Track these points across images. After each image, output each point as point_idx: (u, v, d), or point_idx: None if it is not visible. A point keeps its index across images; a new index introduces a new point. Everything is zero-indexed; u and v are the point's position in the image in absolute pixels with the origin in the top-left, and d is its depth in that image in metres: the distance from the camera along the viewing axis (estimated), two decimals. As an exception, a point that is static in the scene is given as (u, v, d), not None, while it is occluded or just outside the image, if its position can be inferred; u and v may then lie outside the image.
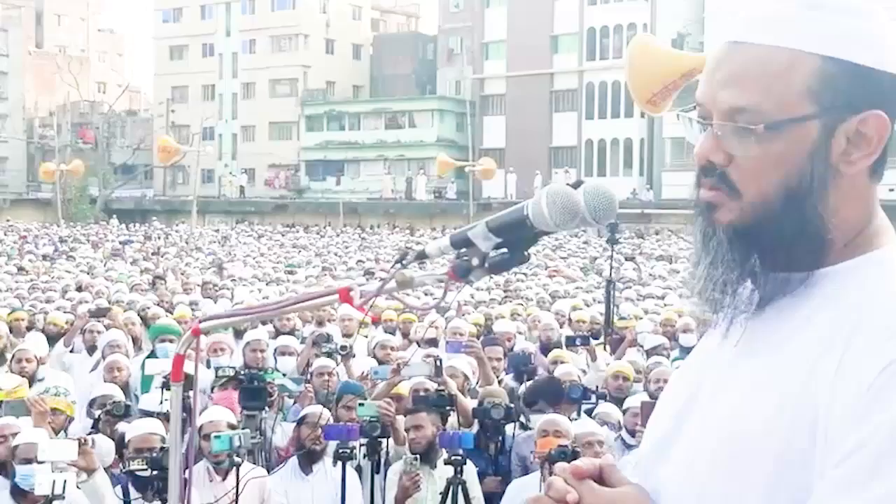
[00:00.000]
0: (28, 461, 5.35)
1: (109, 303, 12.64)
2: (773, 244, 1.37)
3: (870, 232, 1.38)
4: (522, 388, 7.86)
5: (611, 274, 12.34)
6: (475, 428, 6.72)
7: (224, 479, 5.67)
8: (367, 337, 9.97)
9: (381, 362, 8.54)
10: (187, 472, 2.63)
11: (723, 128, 1.37)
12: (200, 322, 1.96)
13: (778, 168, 1.35)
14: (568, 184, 1.55)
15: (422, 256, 1.66)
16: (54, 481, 5.03)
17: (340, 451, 5.96)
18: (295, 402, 7.56)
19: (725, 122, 1.37)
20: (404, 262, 1.66)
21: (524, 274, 20.09)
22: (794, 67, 1.34)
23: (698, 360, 1.52)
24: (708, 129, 1.39)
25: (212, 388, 7.25)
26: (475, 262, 1.57)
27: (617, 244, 12.26)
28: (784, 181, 1.35)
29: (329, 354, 8.11)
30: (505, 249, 1.57)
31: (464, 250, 1.58)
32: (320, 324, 11.40)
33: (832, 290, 1.34)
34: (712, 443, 1.35)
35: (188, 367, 2.25)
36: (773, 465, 1.26)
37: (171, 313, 11.87)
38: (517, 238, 1.56)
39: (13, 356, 8.24)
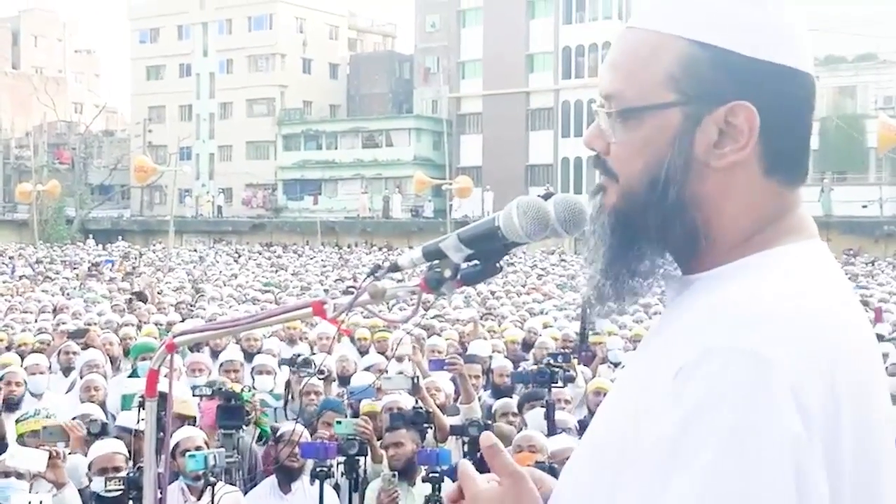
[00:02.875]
0: (7, 475, 5.35)
1: (86, 324, 12.57)
2: (643, 235, 1.35)
3: (769, 234, 1.31)
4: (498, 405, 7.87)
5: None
6: (451, 443, 6.74)
7: (199, 498, 5.64)
8: (329, 354, 9.91)
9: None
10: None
11: (599, 114, 1.37)
12: (174, 337, 1.95)
13: (640, 156, 1.32)
14: (539, 195, 1.57)
15: (394, 269, 1.65)
16: (29, 502, 5.01)
17: (318, 469, 5.95)
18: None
19: (601, 108, 1.36)
20: (377, 274, 1.66)
21: (505, 292, 20.15)
22: (658, 52, 1.31)
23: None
24: (596, 119, 1.39)
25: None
26: (447, 273, 1.57)
27: None
28: (646, 170, 1.32)
29: (308, 374, 8.08)
30: (477, 261, 1.57)
31: (436, 262, 1.58)
32: (292, 342, 11.40)
33: (699, 295, 1.29)
34: (581, 448, 1.40)
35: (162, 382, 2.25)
36: (612, 470, 1.24)
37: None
38: (489, 249, 1.56)
39: (2, 378, 8.13)
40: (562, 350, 10.20)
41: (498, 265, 1.59)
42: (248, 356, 9.71)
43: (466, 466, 1.44)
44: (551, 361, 7.60)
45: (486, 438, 1.40)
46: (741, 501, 1.09)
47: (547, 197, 1.56)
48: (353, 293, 1.69)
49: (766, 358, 1.13)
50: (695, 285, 1.33)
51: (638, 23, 1.36)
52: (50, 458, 5.42)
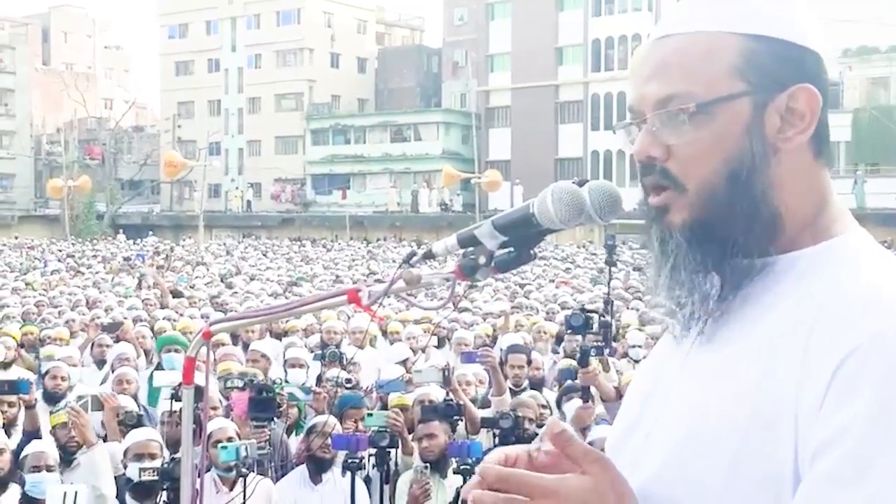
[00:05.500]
0: (37, 469, 5.42)
1: (115, 319, 12.62)
2: (730, 231, 1.35)
3: (827, 218, 1.38)
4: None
5: (608, 292, 12.13)
6: (483, 435, 6.74)
7: (231, 489, 5.68)
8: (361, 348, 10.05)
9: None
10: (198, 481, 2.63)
11: (656, 119, 1.37)
12: (211, 325, 1.96)
13: (716, 151, 1.35)
14: (573, 182, 1.56)
15: (429, 256, 1.66)
16: (65, 493, 5.06)
17: (349, 461, 5.97)
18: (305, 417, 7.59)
19: (658, 112, 1.37)
20: (411, 261, 1.66)
21: (537, 286, 20.09)
22: (717, 49, 1.35)
23: (664, 349, 1.51)
24: (643, 128, 1.40)
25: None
26: (482, 260, 1.57)
27: (615, 265, 12.08)
28: (725, 163, 1.34)
29: (336, 384, 8.06)
30: (511, 248, 1.57)
31: (470, 249, 1.58)
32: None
33: (793, 279, 1.33)
34: (674, 432, 1.34)
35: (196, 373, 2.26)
36: (732, 454, 1.25)
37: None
38: (523, 236, 1.55)
39: (47, 372, 8.21)
40: (595, 343, 10.15)
41: (532, 252, 1.59)
42: (325, 345, 10.10)
43: (496, 468, 1.29)
44: (585, 306, 7.57)
45: (555, 425, 1.30)
46: None
47: (581, 183, 1.56)
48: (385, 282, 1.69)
49: None
50: (775, 268, 1.36)
51: (675, 29, 1.39)
52: (71, 417, 5.61)
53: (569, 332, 7.39)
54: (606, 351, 10.31)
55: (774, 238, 1.36)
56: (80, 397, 6.87)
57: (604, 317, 11.09)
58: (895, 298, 1.22)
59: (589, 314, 7.13)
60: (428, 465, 6.07)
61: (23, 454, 5.78)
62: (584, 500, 1.24)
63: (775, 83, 1.34)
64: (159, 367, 8.61)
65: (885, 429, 1.14)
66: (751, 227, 1.35)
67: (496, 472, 1.27)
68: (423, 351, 10.13)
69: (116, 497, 5.69)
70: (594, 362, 7.29)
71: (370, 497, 6.34)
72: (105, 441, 6.38)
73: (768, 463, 1.23)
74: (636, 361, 10.16)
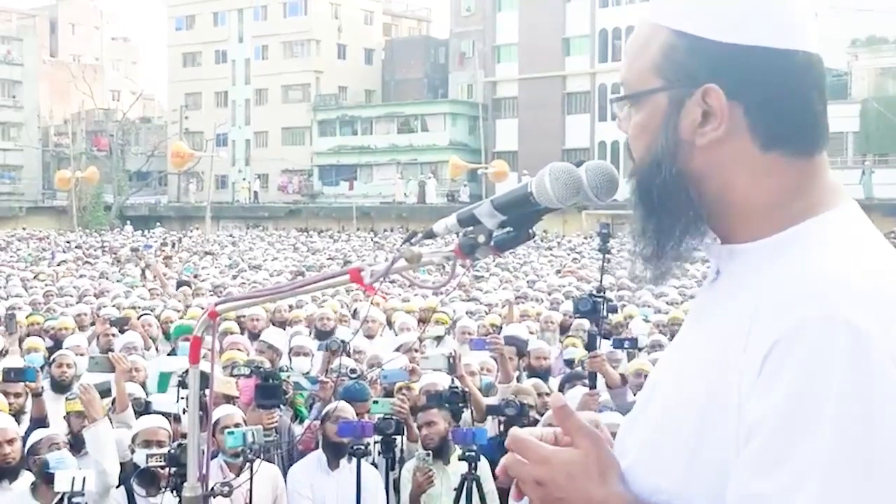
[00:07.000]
0: (56, 447, 5.52)
1: (122, 308, 12.66)
2: (651, 212, 1.41)
3: (800, 205, 1.35)
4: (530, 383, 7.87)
5: (601, 282, 12.09)
6: (488, 422, 6.76)
7: (237, 475, 5.72)
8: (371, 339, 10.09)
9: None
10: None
11: (615, 103, 1.47)
12: (216, 305, 1.99)
13: (642, 138, 1.42)
14: (572, 162, 1.59)
15: (430, 235, 1.70)
16: (73, 478, 5.12)
17: (355, 447, 6.00)
18: (314, 403, 7.61)
19: (614, 96, 1.47)
20: (413, 240, 1.69)
21: (536, 275, 20.11)
22: (649, 41, 1.40)
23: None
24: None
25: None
26: (481, 239, 1.61)
27: (609, 253, 12.00)
28: (647, 150, 1.41)
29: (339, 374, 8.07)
30: (510, 228, 1.61)
31: (470, 228, 1.62)
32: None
33: (755, 266, 1.34)
34: (652, 415, 1.40)
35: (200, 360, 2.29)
36: (692, 440, 1.29)
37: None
38: (522, 215, 1.59)
39: (54, 360, 8.26)
40: (628, 336, 10.12)
41: (531, 231, 1.62)
42: (321, 334, 10.09)
43: (520, 431, 1.44)
44: (594, 292, 7.59)
45: (557, 399, 1.42)
46: (869, 461, 1.15)
47: (579, 164, 1.59)
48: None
49: (859, 327, 1.18)
50: (743, 256, 1.38)
51: (645, 15, 1.44)
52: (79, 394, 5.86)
53: (576, 315, 7.43)
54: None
55: (717, 223, 1.40)
56: (92, 358, 7.06)
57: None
58: (827, 286, 1.23)
59: (597, 299, 7.15)
60: (430, 452, 6.10)
61: (32, 441, 5.82)
62: (570, 471, 1.36)
63: (691, 80, 1.35)
64: (173, 353, 8.71)
65: (800, 418, 1.17)
66: (665, 211, 1.39)
67: (513, 434, 1.44)
68: (421, 341, 10.14)
69: (123, 484, 5.73)
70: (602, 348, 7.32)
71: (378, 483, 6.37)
72: (112, 404, 6.53)
73: (721, 446, 1.26)
74: (639, 349, 10.17)
